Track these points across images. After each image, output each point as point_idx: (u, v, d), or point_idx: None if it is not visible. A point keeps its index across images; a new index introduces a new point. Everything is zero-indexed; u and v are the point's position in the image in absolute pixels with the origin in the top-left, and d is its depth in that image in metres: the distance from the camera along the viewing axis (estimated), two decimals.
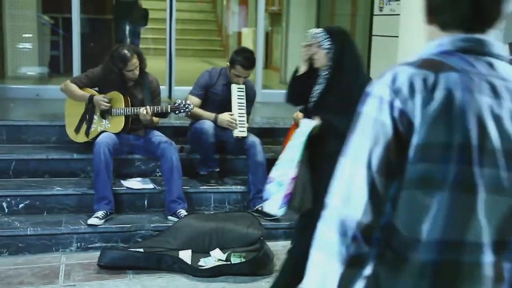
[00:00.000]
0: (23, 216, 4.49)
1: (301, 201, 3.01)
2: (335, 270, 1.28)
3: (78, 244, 4.37)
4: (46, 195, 4.60)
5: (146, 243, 4.33)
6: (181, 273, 4.03)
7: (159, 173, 4.92)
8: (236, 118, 4.78)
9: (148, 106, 4.62)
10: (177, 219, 4.49)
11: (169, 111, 4.66)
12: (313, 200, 3.00)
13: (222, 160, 5.09)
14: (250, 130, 4.95)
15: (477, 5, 1.31)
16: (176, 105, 4.61)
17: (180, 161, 4.64)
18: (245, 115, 4.86)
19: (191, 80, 5.22)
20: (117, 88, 4.70)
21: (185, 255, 4.16)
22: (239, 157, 5.03)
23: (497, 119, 1.27)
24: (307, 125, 3.04)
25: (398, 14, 5.80)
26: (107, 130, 4.71)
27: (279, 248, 4.32)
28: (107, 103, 4.65)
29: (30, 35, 7.72)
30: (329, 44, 3.05)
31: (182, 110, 4.60)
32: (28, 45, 7.71)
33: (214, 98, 4.93)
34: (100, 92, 4.80)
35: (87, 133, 4.76)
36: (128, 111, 4.66)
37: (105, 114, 4.72)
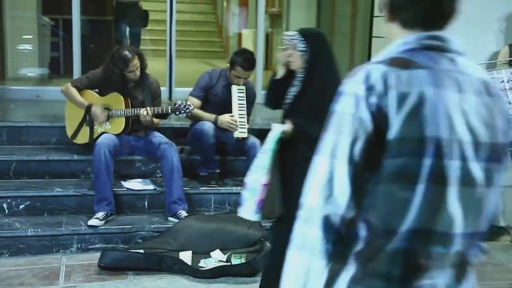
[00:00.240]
0: (23, 217, 4.49)
1: (271, 207, 2.99)
2: (320, 267, 1.30)
3: (79, 245, 4.37)
4: (46, 196, 4.60)
5: (147, 244, 4.33)
6: (182, 274, 4.03)
7: (160, 174, 4.92)
8: (237, 119, 4.78)
9: (148, 107, 4.62)
10: (178, 220, 4.49)
11: (169, 112, 4.67)
12: (284, 206, 2.98)
13: (223, 161, 5.09)
14: (251, 131, 4.95)
15: (437, 3, 1.37)
16: (176, 106, 4.61)
17: (180, 162, 4.64)
18: (245, 116, 4.86)
19: (191, 81, 5.22)
20: (118, 89, 4.71)
21: (186, 256, 4.16)
22: (240, 158, 5.02)
23: (464, 113, 1.32)
24: (276, 131, 3.03)
25: None
26: (107, 131, 4.71)
27: None
28: (104, 118, 4.67)
29: (31, 37, 7.72)
30: (304, 47, 3.03)
31: (182, 111, 4.61)
32: (28, 46, 7.71)
33: (214, 99, 4.93)
34: (100, 93, 4.80)
35: (90, 137, 4.76)
36: (129, 112, 4.67)
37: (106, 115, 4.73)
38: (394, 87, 1.28)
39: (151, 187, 4.81)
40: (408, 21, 1.39)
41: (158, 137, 4.76)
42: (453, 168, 1.30)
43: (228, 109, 4.81)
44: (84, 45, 6.78)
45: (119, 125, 4.71)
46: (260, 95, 6.60)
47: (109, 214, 4.49)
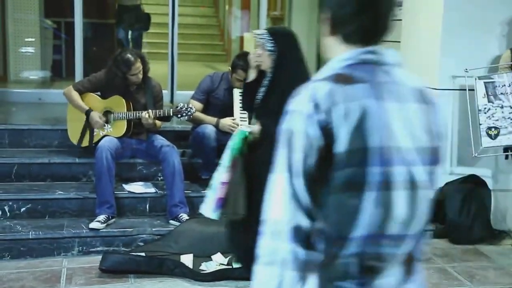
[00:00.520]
0: (25, 220, 4.49)
1: (234, 207, 2.95)
2: (293, 278, 1.36)
3: (80, 248, 4.37)
4: (48, 199, 4.61)
5: (148, 247, 4.33)
6: (183, 278, 4.03)
7: (161, 177, 4.93)
8: (238, 123, 4.78)
9: (150, 110, 4.62)
10: (179, 223, 4.49)
11: (171, 115, 4.67)
12: (248, 206, 2.94)
13: None
14: None
15: (375, 19, 1.46)
16: (178, 109, 4.62)
17: (182, 165, 4.64)
18: (247, 119, 4.86)
19: (193, 84, 5.23)
20: (120, 92, 4.71)
21: (187, 259, 4.16)
22: None
23: (404, 121, 1.41)
24: (240, 131, 3.00)
25: (400, 20, 5.80)
26: (109, 134, 4.72)
27: None
28: (101, 123, 4.69)
29: (33, 39, 7.74)
30: (272, 46, 2.97)
31: (184, 114, 4.61)
32: (30, 49, 7.73)
33: (216, 102, 4.94)
34: (102, 96, 4.81)
35: (90, 141, 4.77)
36: (130, 115, 4.67)
37: (108, 118, 4.73)
38: (339, 103, 1.35)
39: (153, 190, 4.81)
40: (350, 36, 1.46)
41: (159, 140, 4.76)
42: (398, 173, 1.38)
43: (230, 113, 4.81)
44: (86, 48, 6.80)
45: (121, 128, 4.72)
46: None
47: (110, 217, 4.49)
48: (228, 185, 2.91)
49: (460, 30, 5.05)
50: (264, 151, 2.90)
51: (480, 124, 4.82)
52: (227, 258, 4.19)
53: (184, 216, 4.53)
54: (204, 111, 4.91)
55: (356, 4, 1.44)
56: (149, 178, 5.01)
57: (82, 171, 4.92)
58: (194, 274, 4.03)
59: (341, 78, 1.40)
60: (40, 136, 5.19)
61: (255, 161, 2.96)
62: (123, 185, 4.82)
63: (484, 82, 4.84)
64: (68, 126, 4.93)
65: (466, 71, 4.89)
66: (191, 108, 4.62)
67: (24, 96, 6.62)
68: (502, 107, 4.81)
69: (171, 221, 4.58)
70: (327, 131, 1.34)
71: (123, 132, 4.71)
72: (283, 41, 2.97)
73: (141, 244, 4.44)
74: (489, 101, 4.83)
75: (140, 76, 4.68)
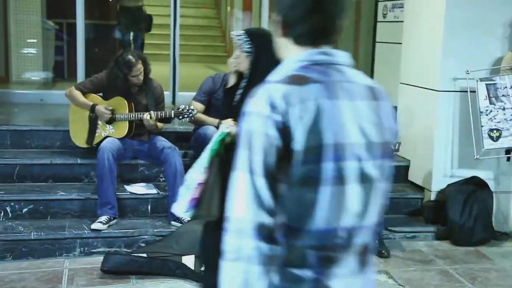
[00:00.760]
0: (26, 221, 4.50)
1: (209, 208, 2.93)
2: (259, 273, 1.39)
3: (82, 249, 4.38)
4: (49, 200, 4.61)
5: (149, 248, 4.33)
6: (184, 279, 4.03)
7: (163, 179, 4.93)
8: None
9: (152, 112, 4.63)
10: (181, 225, 4.49)
11: (172, 116, 4.67)
12: (222, 207, 2.92)
13: None
14: None
15: (324, 21, 1.51)
16: (179, 110, 4.62)
17: (183, 166, 4.64)
18: None
19: (194, 85, 5.22)
20: (121, 93, 4.72)
21: (188, 261, 4.16)
22: None
23: (356, 118, 1.47)
24: (219, 132, 2.99)
25: (402, 21, 5.80)
26: (111, 135, 4.72)
27: None
28: (108, 114, 4.67)
29: (35, 40, 7.75)
30: (249, 47, 2.95)
31: (185, 116, 4.61)
32: (32, 50, 7.74)
33: (218, 104, 4.93)
34: (104, 97, 4.81)
35: (90, 142, 4.77)
36: (132, 116, 4.68)
37: (109, 119, 4.74)
38: (294, 104, 1.40)
39: (154, 191, 4.81)
40: (300, 37, 1.52)
41: (161, 141, 4.77)
42: (351, 168, 1.45)
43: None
44: (88, 49, 6.80)
45: (123, 129, 4.72)
46: None
47: (112, 218, 4.50)
48: (203, 186, 2.89)
49: (462, 31, 5.05)
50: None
51: (482, 126, 4.82)
52: None
53: (186, 217, 4.53)
54: (206, 112, 4.91)
55: (307, 6, 1.49)
56: (151, 179, 5.01)
57: (84, 172, 4.93)
58: (195, 275, 4.03)
59: (296, 79, 1.45)
60: (42, 137, 5.20)
61: (231, 162, 2.94)
62: (125, 186, 4.82)
63: (486, 84, 4.84)
64: (70, 127, 4.93)
65: (468, 73, 4.89)
66: (192, 109, 4.62)
67: (26, 97, 6.63)
68: (503, 109, 4.81)
69: (172, 222, 4.58)
70: (284, 131, 1.39)
71: (125, 133, 4.71)
72: (260, 42, 2.96)
73: (143, 245, 4.44)
74: (490, 103, 4.83)
75: (141, 77, 4.68)
